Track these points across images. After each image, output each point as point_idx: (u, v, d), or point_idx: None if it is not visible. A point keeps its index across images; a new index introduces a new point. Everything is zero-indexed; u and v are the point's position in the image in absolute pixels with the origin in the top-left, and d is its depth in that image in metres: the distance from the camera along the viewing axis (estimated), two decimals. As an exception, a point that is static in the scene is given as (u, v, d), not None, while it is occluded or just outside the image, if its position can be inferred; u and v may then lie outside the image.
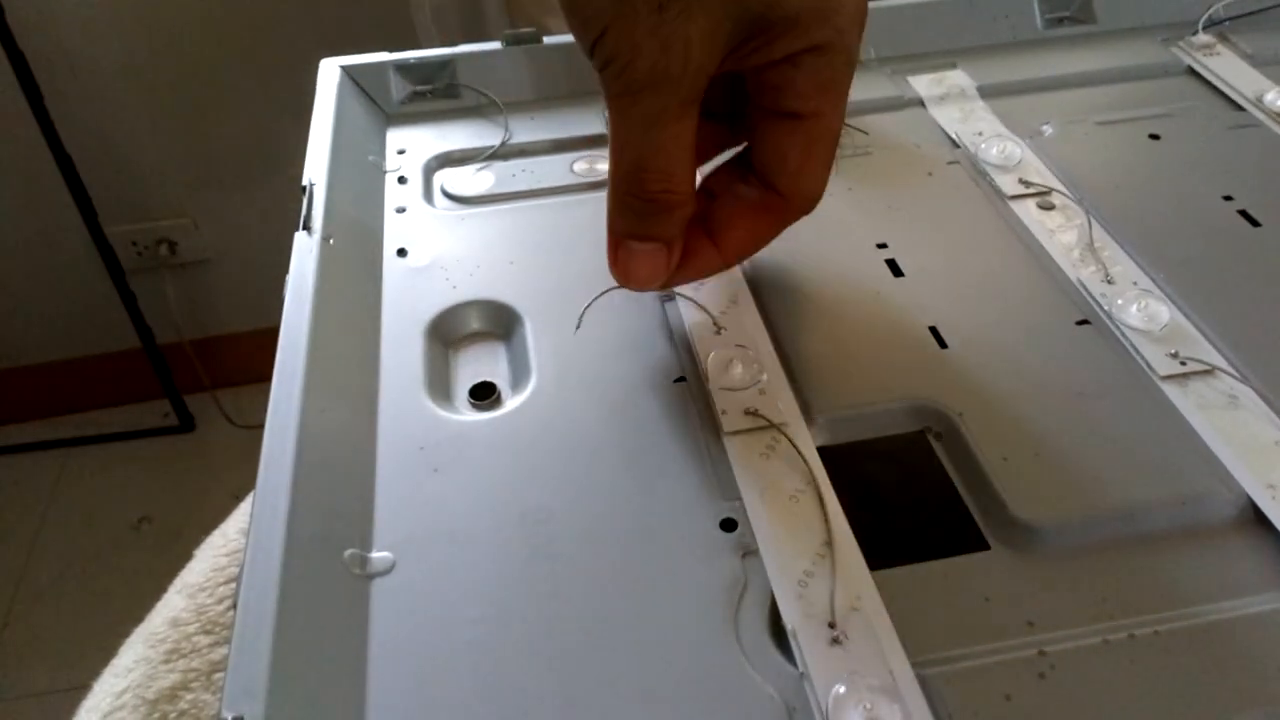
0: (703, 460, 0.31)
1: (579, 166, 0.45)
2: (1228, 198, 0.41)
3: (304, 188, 0.39)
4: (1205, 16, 0.51)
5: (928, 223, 0.41)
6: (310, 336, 0.33)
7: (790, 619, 0.27)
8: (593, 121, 0.48)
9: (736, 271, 0.39)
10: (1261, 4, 0.51)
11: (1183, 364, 0.34)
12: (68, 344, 1.51)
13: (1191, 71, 0.49)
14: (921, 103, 0.48)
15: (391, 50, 0.50)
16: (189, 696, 0.37)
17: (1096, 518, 0.29)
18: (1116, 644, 0.26)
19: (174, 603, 0.41)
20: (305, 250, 0.37)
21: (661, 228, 0.32)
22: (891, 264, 0.39)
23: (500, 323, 0.38)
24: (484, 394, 0.35)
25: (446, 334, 0.37)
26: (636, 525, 0.30)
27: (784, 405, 0.33)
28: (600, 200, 0.43)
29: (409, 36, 1.16)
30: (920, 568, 0.28)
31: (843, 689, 0.25)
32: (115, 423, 1.56)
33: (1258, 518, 0.29)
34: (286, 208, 0.41)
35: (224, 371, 1.55)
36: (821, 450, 0.32)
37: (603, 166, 0.45)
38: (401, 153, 0.46)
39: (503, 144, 0.47)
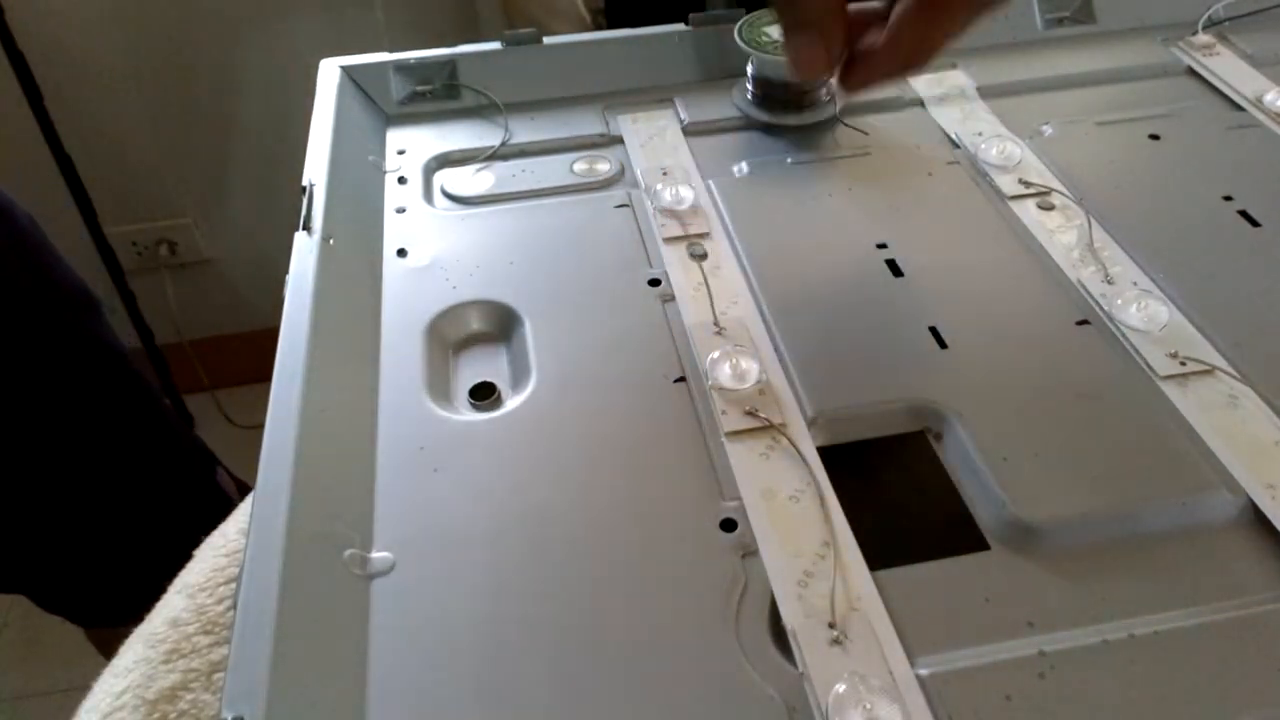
0: (703, 460, 0.31)
1: (579, 166, 0.45)
2: (1228, 198, 0.41)
3: (304, 188, 0.39)
4: (1205, 16, 0.51)
5: (928, 223, 0.41)
6: (310, 336, 0.33)
7: (790, 619, 0.27)
8: (593, 121, 0.48)
9: (736, 271, 0.39)
10: (1261, 4, 0.51)
11: (1183, 364, 0.34)
12: (68, 344, 1.51)
13: (1191, 71, 0.49)
14: (921, 103, 0.48)
15: (392, 51, 0.50)
16: (189, 696, 0.37)
17: (1096, 518, 0.29)
18: (1116, 644, 0.26)
19: (174, 603, 0.41)
20: (305, 250, 0.37)
21: (804, 13, 0.34)
22: (891, 264, 0.39)
23: (500, 323, 0.38)
24: (484, 394, 0.35)
25: (446, 334, 0.37)
26: (636, 526, 0.30)
27: (784, 405, 0.33)
28: (600, 201, 0.43)
29: (411, 37, 1.16)
30: (920, 568, 0.28)
31: (843, 689, 0.25)
32: (115, 423, 1.56)
33: (1258, 518, 0.29)
34: (286, 208, 0.41)
35: (224, 371, 1.55)
36: (821, 450, 0.32)
37: (602, 167, 0.45)
38: (401, 153, 0.46)
39: (503, 144, 0.47)
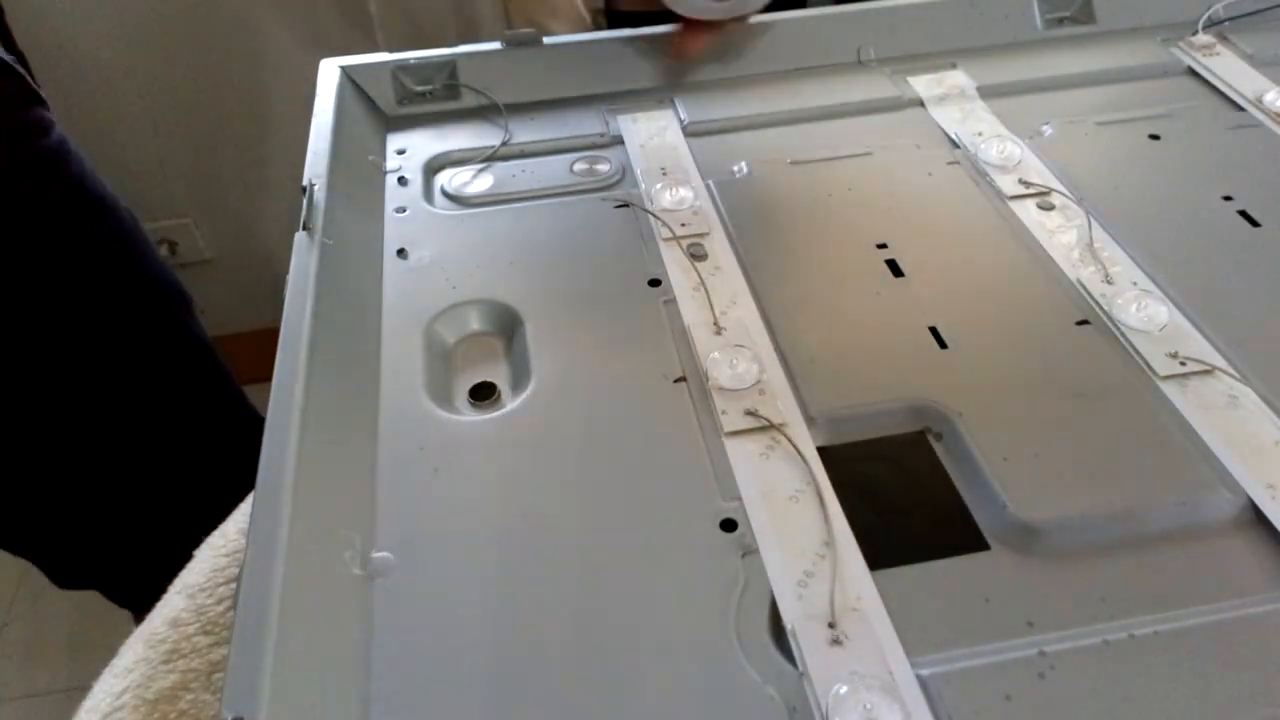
0: (703, 460, 0.31)
1: (579, 167, 0.45)
2: (1228, 198, 0.41)
3: (304, 188, 0.39)
4: (1205, 17, 0.51)
5: (928, 223, 0.41)
6: (310, 336, 0.33)
7: (790, 619, 0.27)
8: (593, 122, 0.48)
9: (736, 271, 0.39)
10: (1261, 4, 0.51)
11: (1183, 364, 0.34)
12: (68, 344, 1.51)
13: (1191, 72, 0.49)
14: (921, 103, 0.48)
15: (391, 51, 0.50)
16: (189, 697, 0.37)
17: (1096, 518, 0.29)
18: (1116, 644, 0.26)
19: (174, 603, 0.41)
20: (305, 250, 0.37)
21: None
22: (891, 264, 0.39)
23: (500, 323, 0.38)
24: (484, 394, 0.35)
25: (446, 334, 0.37)
26: (636, 525, 0.30)
27: (784, 405, 0.33)
28: (599, 201, 0.43)
29: (412, 38, 1.16)
30: (920, 568, 0.28)
31: (843, 689, 0.25)
32: (115, 423, 1.56)
33: (1258, 518, 0.29)
34: (286, 208, 0.41)
35: (224, 372, 1.55)
36: (821, 450, 0.32)
37: (602, 167, 0.45)
38: (401, 153, 0.46)
39: (503, 145, 0.47)
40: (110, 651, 0.41)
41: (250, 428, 0.81)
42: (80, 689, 0.40)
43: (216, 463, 0.76)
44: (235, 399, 0.80)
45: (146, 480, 0.74)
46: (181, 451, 0.75)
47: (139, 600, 0.82)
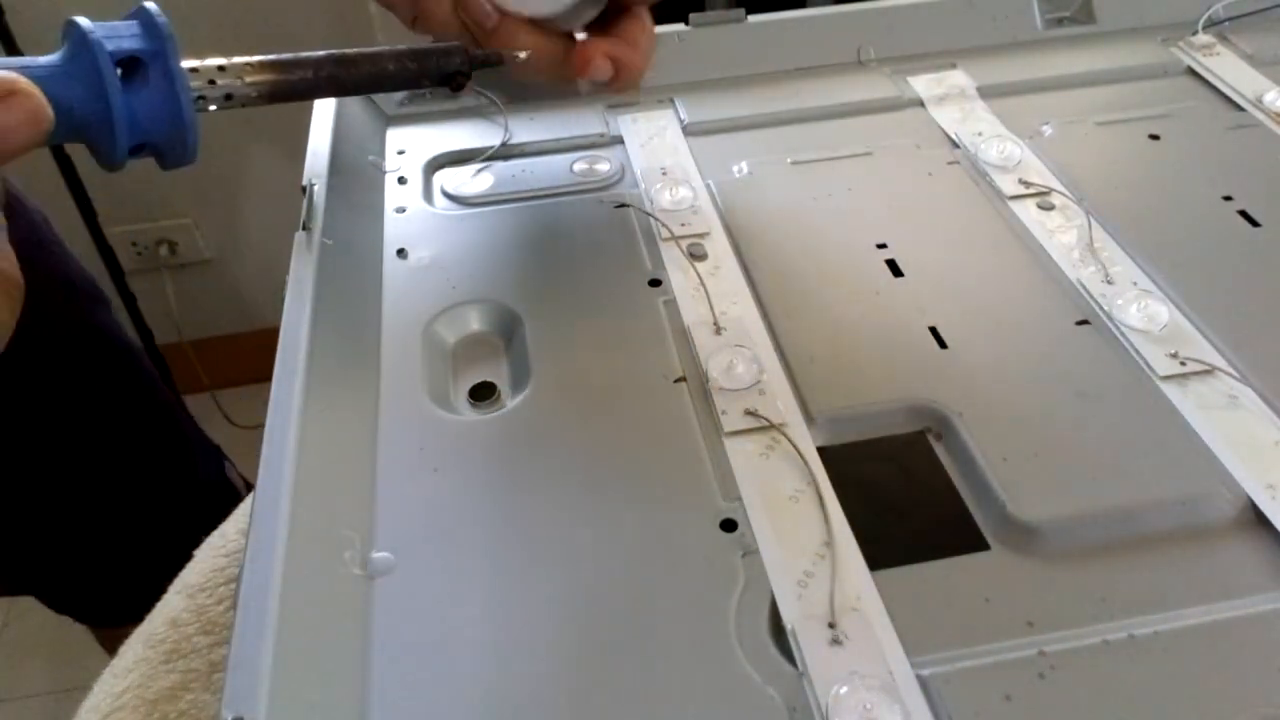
0: (703, 460, 0.31)
1: (579, 166, 0.45)
2: (1228, 198, 0.41)
3: (304, 188, 0.39)
4: (1205, 17, 0.51)
5: (928, 223, 0.41)
6: (310, 336, 0.33)
7: (790, 619, 0.27)
8: (593, 121, 0.48)
9: (737, 271, 0.39)
10: (1261, 4, 0.51)
11: (1183, 364, 0.34)
12: (68, 344, 1.51)
13: (1191, 72, 0.49)
14: (921, 103, 0.48)
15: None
16: (189, 697, 0.37)
17: (1096, 518, 0.29)
18: (1116, 644, 0.26)
19: (173, 603, 0.41)
20: (305, 250, 0.37)
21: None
22: (891, 264, 0.39)
23: (500, 323, 0.38)
24: (484, 394, 0.35)
25: (446, 334, 0.37)
26: (637, 525, 0.30)
27: (784, 405, 0.33)
28: (599, 201, 0.43)
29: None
30: (920, 568, 0.28)
31: (843, 689, 0.25)
32: (115, 423, 1.55)
33: (1258, 518, 0.29)
34: (286, 208, 0.41)
35: (224, 371, 1.55)
36: (821, 450, 0.32)
37: (602, 167, 0.45)
38: (401, 153, 0.46)
39: (503, 144, 0.47)
40: (108, 653, 0.41)
41: (171, 427, 0.79)
42: (80, 689, 0.40)
43: (138, 463, 0.75)
44: (156, 398, 0.79)
45: (66, 480, 0.72)
46: (102, 451, 0.73)
47: (77, 607, 0.81)
